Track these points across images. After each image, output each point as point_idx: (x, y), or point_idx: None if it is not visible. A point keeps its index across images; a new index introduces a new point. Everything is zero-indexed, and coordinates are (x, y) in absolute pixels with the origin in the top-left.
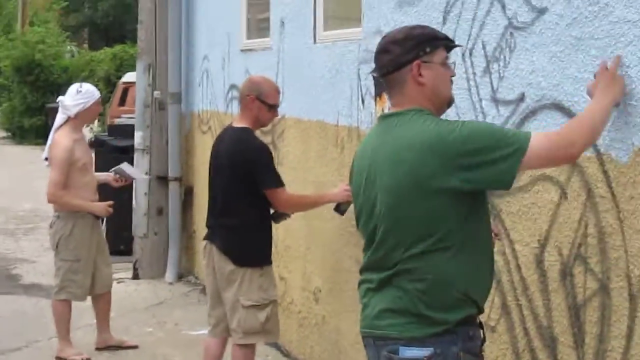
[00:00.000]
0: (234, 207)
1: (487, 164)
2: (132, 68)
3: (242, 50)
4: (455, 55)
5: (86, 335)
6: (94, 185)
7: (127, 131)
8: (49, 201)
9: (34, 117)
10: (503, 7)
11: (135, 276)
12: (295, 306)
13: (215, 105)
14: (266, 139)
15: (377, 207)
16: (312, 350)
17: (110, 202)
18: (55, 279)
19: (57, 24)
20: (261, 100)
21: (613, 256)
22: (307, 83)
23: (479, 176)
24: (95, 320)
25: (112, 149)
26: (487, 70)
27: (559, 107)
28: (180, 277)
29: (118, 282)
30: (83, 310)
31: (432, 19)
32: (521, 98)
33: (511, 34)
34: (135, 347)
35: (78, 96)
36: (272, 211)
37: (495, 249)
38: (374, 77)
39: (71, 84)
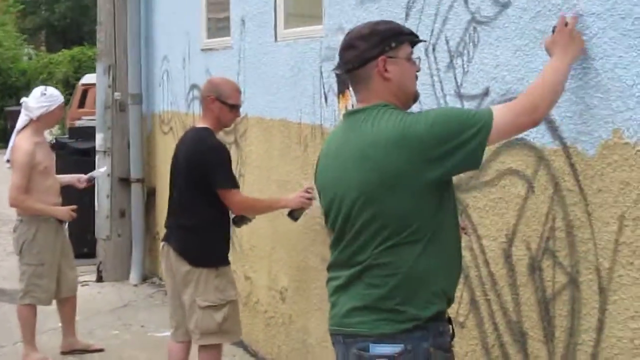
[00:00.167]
0: (189, 208)
1: (455, 148)
2: (91, 70)
3: (202, 50)
4: (418, 51)
5: (51, 339)
6: (56, 189)
7: (88, 133)
8: (11, 205)
9: None
10: (466, 1)
11: (99, 279)
12: (261, 306)
13: (176, 105)
14: (229, 139)
15: (346, 204)
16: (279, 350)
17: (74, 207)
18: (20, 284)
19: (14, 27)
20: (221, 101)
21: (582, 249)
22: (268, 82)
23: (450, 163)
24: (60, 324)
25: (73, 151)
26: (450, 66)
27: None
28: (144, 278)
29: (82, 285)
30: (48, 315)
31: (394, 15)
32: (486, 92)
33: (474, 28)
34: (101, 350)
35: (42, 99)
36: (232, 215)
37: (463, 244)
38: (336, 75)
39: (30, 86)
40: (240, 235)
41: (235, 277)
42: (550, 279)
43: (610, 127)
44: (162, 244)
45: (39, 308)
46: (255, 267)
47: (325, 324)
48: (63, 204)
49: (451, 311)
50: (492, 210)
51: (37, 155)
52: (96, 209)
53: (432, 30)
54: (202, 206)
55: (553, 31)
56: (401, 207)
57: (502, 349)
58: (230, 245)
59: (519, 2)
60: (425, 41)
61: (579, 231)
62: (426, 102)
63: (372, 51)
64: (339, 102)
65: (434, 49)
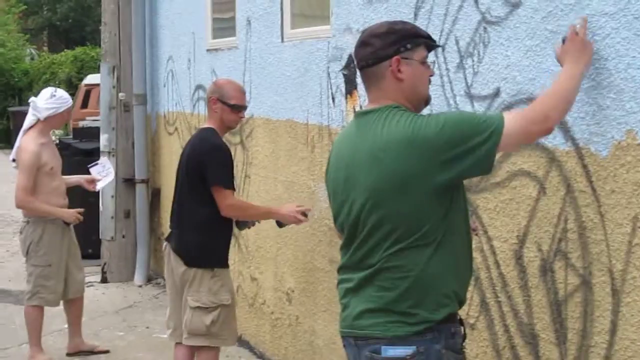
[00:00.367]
0: (188, 207)
1: (465, 153)
2: (94, 70)
3: (208, 50)
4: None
5: (57, 340)
6: (63, 190)
7: (92, 134)
8: (17, 206)
9: None
10: (476, 1)
11: (104, 280)
12: (267, 307)
13: (181, 106)
14: (235, 139)
15: (356, 206)
16: (286, 351)
17: (80, 210)
18: (27, 285)
19: (17, 27)
20: (223, 102)
21: (594, 251)
22: (275, 82)
23: (460, 167)
24: (65, 326)
25: (77, 152)
26: (460, 66)
27: None
28: (149, 279)
29: (87, 286)
30: (53, 316)
31: (402, 15)
32: (496, 93)
33: (485, 28)
34: (106, 351)
35: (51, 100)
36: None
37: (474, 246)
38: (344, 75)
39: (32, 87)
40: (246, 236)
41: (241, 278)
42: (563, 280)
43: (623, 127)
44: (164, 243)
45: (45, 309)
46: (262, 268)
47: (332, 326)
48: (70, 205)
49: (461, 313)
50: (502, 212)
51: (43, 156)
52: (101, 209)
53: (442, 31)
54: (201, 206)
55: (563, 41)
56: (410, 209)
57: (513, 351)
58: (235, 246)
59: (530, 2)
60: (441, 46)
61: (592, 233)
62: (436, 103)
63: (386, 50)
64: (347, 103)
65: (443, 50)
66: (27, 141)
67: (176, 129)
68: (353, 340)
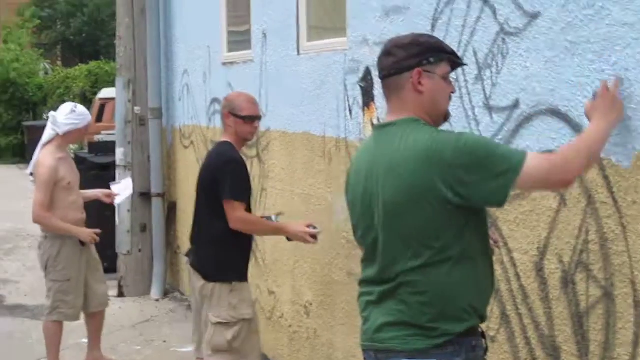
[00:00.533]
0: (206, 221)
1: (480, 180)
2: (108, 84)
3: (223, 64)
4: None
5: (74, 355)
6: (80, 204)
7: (108, 148)
8: (35, 222)
9: (11, 135)
10: (494, 12)
11: (121, 294)
12: (285, 320)
13: (197, 119)
14: (251, 153)
15: (375, 220)
16: None
17: (97, 230)
18: (47, 300)
19: (31, 42)
20: (235, 115)
21: (616, 262)
22: (291, 95)
23: (471, 192)
24: (83, 340)
25: (93, 166)
26: (479, 77)
27: (555, 113)
28: (165, 293)
29: None
30: (71, 330)
31: (420, 27)
32: (515, 104)
33: (503, 39)
34: None
35: (71, 115)
36: None
37: (494, 258)
38: (361, 87)
39: (47, 101)
40: (263, 250)
41: (258, 292)
42: (584, 292)
43: None
44: (185, 259)
45: (64, 324)
46: (279, 282)
47: (351, 339)
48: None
49: (482, 325)
50: (523, 224)
51: (60, 171)
52: (117, 223)
53: (460, 42)
54: (217, 219)
55: (594, 96)
56: (423, 223)
57: None
58: (252, 260)
59: (549, 13)
60: (466, 64)
61: (614, 244)
62: (454, 114)
63: (409, 61)
64: (364, 115)
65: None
66: (44, 155)
67: (192, 142)
68: (374, 353)
